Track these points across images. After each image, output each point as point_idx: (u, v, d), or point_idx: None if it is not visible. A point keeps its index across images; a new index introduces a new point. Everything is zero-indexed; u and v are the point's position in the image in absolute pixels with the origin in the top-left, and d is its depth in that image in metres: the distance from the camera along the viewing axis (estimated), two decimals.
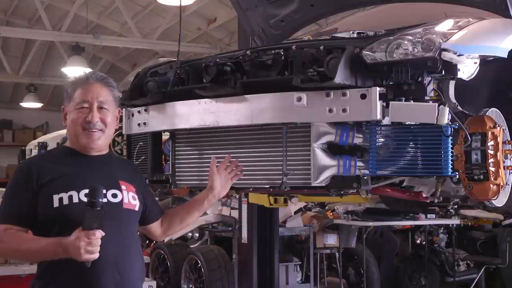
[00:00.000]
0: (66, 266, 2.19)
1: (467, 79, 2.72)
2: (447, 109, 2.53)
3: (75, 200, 2.28)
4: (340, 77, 2.59)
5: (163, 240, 7.04)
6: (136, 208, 2.45)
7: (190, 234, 7.76)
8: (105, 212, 2.13)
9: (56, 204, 2.29)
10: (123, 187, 2.43)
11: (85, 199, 2.23)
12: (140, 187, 2.53)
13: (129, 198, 2.43)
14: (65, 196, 2.29)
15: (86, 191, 2.24)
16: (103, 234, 2.13)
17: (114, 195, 2.38)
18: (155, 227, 2.66)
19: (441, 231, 7.85)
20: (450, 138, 2.57)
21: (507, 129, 2.87)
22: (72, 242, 2.11)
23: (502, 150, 2.68)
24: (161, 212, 2.69)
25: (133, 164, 2.93)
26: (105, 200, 2.32)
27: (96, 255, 2.13)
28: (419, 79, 2.64)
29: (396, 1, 4.19)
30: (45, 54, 15.51)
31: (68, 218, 2.20)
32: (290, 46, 2.91)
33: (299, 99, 2.68)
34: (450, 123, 2.56)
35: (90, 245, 2.10)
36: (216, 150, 3.08)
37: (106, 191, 2.35)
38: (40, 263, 2.35)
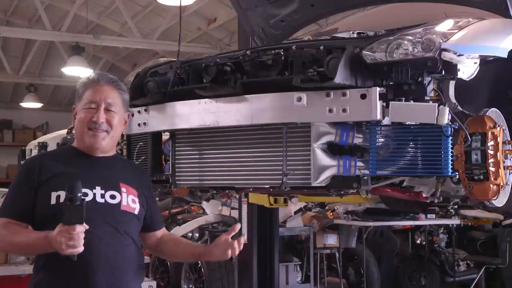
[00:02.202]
0: (59, 265, 2.22)
1: (467, 79, 2.72)
2: (447, 109, 2.53)
3: None
4: (340, 77, 2.59)
5: None
6: (136, 212, 2.45)
7: (190, 234, 7.74)
8: (84, 207, 2.12)
9: (53, 201, 2.31)
10: (123, 189, 2.42)
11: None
12: (143, 191, 2.53)
13: (129, 201, 2.42)
14: (62, 194, 2.29)
15: (84, 190, 2.24)
16: (87, 227, 2.13)
17: (113, 197, 2.38)
18: (147, 238, 2.61)
19: (441, 231, 7.84)
20: (450, 138, 2.57)
21: (507, 129, 2.87)
22: (54, 237, 2.13)
23: (502, 150, 2.68)
24: (159, 225, 2.63)
25: (139, 168, 2.87)
26: (102, 200, 2.34)
27: (79, 249, 2.12)
28: (419, 79, 2.63)
29: (396, 1, 4.19)
30: (45, 54, 15.49)
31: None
32: (290, 46, 2.91)
33: (299, 99, 2.68)
34: (450, 123, 2.56)
35: (71, 240, 2.09)
36: (216, 150, 3.08)
37: (105, 192, 2.36)
38: (36, 262, 2.38)
